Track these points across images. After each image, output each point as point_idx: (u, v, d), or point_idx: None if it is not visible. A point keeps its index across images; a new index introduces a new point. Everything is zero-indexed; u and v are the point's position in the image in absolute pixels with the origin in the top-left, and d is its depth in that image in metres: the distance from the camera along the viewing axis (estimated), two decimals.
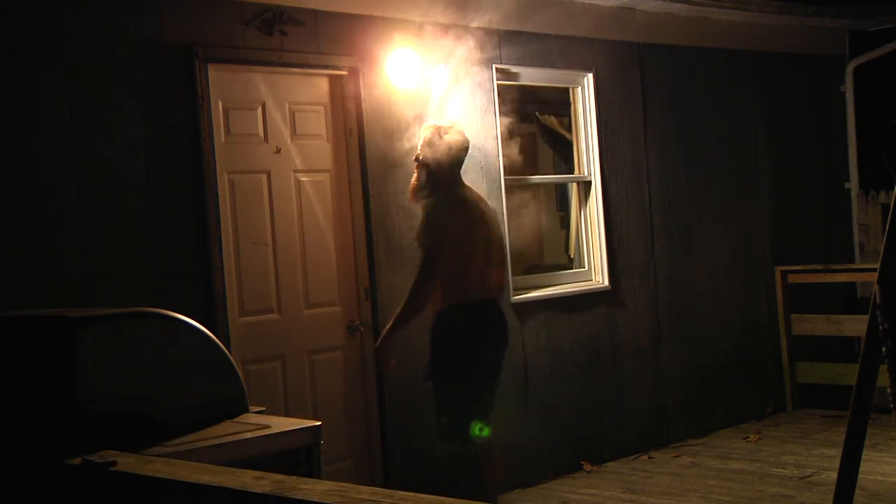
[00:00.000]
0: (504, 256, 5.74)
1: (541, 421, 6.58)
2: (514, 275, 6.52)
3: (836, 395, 7.67)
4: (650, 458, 7.02)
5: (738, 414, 7.86)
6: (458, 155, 5.37)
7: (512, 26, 6.56)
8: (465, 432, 5.17)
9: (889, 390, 4.00)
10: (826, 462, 6.48)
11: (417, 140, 5.49)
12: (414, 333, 5.62)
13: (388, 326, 5.28)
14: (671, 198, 7.55)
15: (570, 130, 7.23)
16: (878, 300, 3.94)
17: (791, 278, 8.20)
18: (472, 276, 5.26)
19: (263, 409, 3.87)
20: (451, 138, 5.35)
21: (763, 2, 7.80)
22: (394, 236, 5.93)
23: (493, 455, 5.38)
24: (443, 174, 5.31)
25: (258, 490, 2.46)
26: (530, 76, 6.82)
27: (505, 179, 6.49)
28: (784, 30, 8.33)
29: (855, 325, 7.67)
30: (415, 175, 5.42)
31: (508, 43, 6.57)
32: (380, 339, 5.33)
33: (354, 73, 5.80)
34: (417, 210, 5.63)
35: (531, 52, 6.71)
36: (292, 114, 5.67)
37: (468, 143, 5.47)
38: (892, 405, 4.02)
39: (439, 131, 5.38)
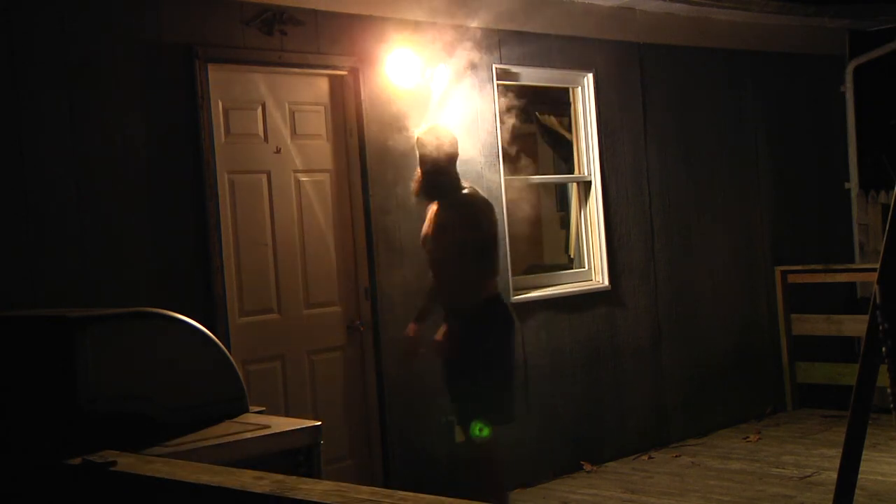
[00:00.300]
0: None
1: (541, 421, 6.58)
2: (513, 275, 6.52)
3: (836, 395, 7.67)
4: (650, 458, 7.02)
5: (738, 414, 7.86)
6: (453, 151, 5.40)
7: (512, 26, 6.56)
8: (485, 430, 5.24)
9: (889, 390, 4.00)
10: (826, 462, 6.48)
11: (414, 143, 5.54)
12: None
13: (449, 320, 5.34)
14: (671, 198, 7.55)
15: (570, 130, 7.23)
16: (878, 300, 3.94)
17: (791, 278, 8.20)
18: (495, 272, 5.42)
19: (263, 409, 3.87)
20: (440, 136, 5.39)
21: (763, 2, 7.80)
22: (394, 236, 5.93)
23: (502, 453, 5.42)
24: (443, 172, 5.34)
25: (258, 490, 2.46)
26: (530, 76, 6.82)
27: (505, 179, 6.49)
28: (784, 30, 8.33)
29: (855, 325, 7.67)
30: (418, 175, 5.44)
31: (508, 43, 6.57)
32: (445, 330, 5.32)
33: (354, 73, 5.80)
34: (418, 210, 5.66)
35: (531, 52, 6.71)
36: (292, 114, 5.67)
37: (455, 139, 5.50)
38: (892, 405, 4.02)
39: (429, 132, 5.45)
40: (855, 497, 4.02)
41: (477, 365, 5.24)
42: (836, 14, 8.46)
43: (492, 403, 5.27)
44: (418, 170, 5.47)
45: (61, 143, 4.74)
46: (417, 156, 5.47)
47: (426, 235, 5.46)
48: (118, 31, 4.94)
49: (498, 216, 6.26)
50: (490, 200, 5.61)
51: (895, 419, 4.15)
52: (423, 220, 5.52)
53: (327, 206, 5.79)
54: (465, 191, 5.42)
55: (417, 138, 5.50)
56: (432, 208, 5.44)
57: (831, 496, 4.05)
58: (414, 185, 5.50)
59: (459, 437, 5.71)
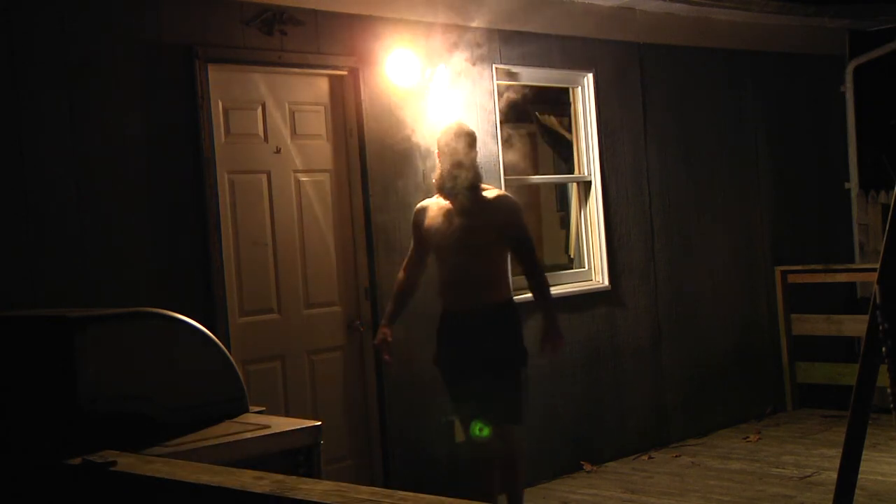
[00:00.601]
0: None
1: (541, 421, 6.57)
2: (514, 274, 6.50)
3: (836, 395, 7.67)
4: (650, 458, 7.02)
5: (738, 414, 7.86)
6: (474, 148, 5.34)
7: (512, 26, 6.56)
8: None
9: (889, 390, 4.00)
10: (826, 462, 6.48)
11: (438, 137, 5.43)
12: (415, 333, 5.63)
13: (553, 315, 5.37)
14: (671, 198, 7.55)
15: (570, 130, 7.23)
16: (878, 300, 3.94)
17: (791, 278, 8.20)
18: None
19: (263, 409, 3.87)
20: (462, 133, 5.31)
21: (763, 2, 7.80)
22: (394, 236, 5.92)
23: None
24: (467, 168, 5.26)
25: (258, 490, 2.46)
26: (530, 76, 6.82)
27: (505, 179, 6.49)
28: (784, 30, 8.33)
29: (855, 325, 7.67)
30: (438, 171, 5.35)
31: (508, 43, 6.57)
32: (553, 329, 5.34)
33: (354, 73, 5.80)
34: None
35: (531, 52, 6.71)
36: (292, 114, 5.67)
37: (476, 135, 5.44)
38: (892, 405, 4.02)
39: (451, 128, 5.36)
40: (855, 497, 4.02)
41: (495, 364, 5.23)
42: (836, 14, 8.46)
43: (509, 403, 5.26)
44: (438, 165, 5.36)
45: (61, 143, 4.74)
46: (440, 152, 5.35)
47: (435, 229, 5.31)
48: (118, 31, 4.94)
49: None
50: None
51: (895, 419, 4.15)
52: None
53: (327, 206, 5.79)
54: (492, 189, 5.37)
55: (440, 134, 5.40)
56: (439, 204, 5.33)
57: (831, 496, 4.05)
58: (435, 180, 5.38)
59: (459, 436, 5.71)
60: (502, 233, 5.27)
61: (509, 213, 5.31)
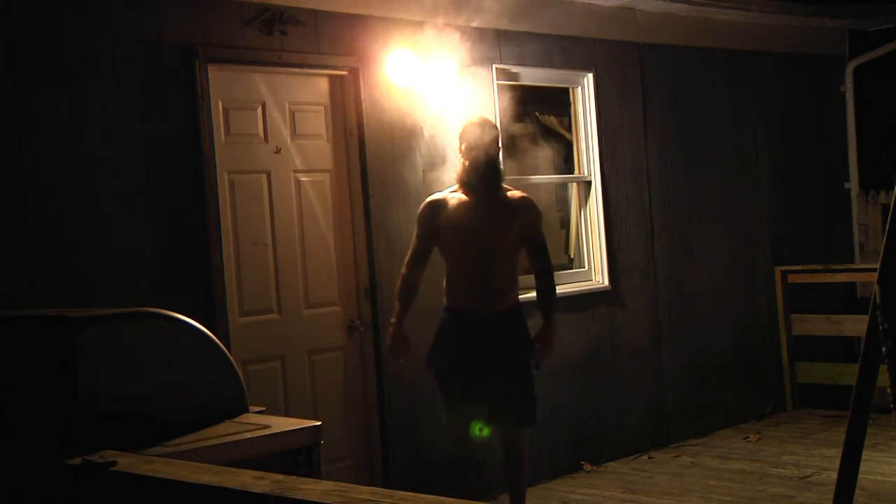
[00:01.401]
0: None
1: (541, 421, 6.56)
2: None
3: (836, 395, 7.67)
4: (650, 458, 7.02)
5: (738, 414, 7.86)
6: (497, 145, 5.31)
7: (512, 26, 6.56)
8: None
9: (889, 390, 4.00)
10: (826, 462, 6.48)
11: (461, 130, 5.37)
12: (418, 332, 5.62)
13: (552, 322, 5.35)
14: (671, 198, 7.55)
15: (570, 130, 7.23)
16: (878, 300, 3.94)
17: (791, 278, 8.20)
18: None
19: (263, 409, 3.87)
20: (487, 128, 5.28)
21: (763, 2, 7.80)
22: (394, 236, 5.93)
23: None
24: (490, 165, 5.21)
25: (258, 490, 2.46)
26: (530, 76, 6.82)
27: (505, 179, 6.47)
28: (784, 30, 8.33)
29: (855, 325, 7.67)
30: (462, 166, 5.27)
31: (508, 43, 6.57)
32: (549, 338, 5.32)
33: (354, 73, 5.80)
34: (416, 210, 5.65)
35: (531, 52, 6.71)
36: (292, 114, 5.67)
37: (499, 132, 5.40)
38: (892, 405, 4.02)
39: (475, 123, 5.31)
40: (855, 497, 4.02)
41: (511, 367, 5.21)
42: (836, 14, 8.46)
43: (526, 406, 5.28)
44: (462, 160, 5.29)
45: (61, 143, 4.74)
46: (463, 146, 5.28)
47: (455, 226, 5.20)
48: (118, 31, 4.94)
49: None
50: None
51: (895, 419, 4.15)
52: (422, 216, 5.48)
53: (327, 206, 5.79)
54: (514, 190, 5.34)
55: (464, 127, 5.31)
56: (459, 199, 5.23)
57: (831, 496, 4.05)
58: (457, 175, 5.29)
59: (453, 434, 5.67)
60: (522, 234, 5.24)
61: (533, 215, 5.30)
